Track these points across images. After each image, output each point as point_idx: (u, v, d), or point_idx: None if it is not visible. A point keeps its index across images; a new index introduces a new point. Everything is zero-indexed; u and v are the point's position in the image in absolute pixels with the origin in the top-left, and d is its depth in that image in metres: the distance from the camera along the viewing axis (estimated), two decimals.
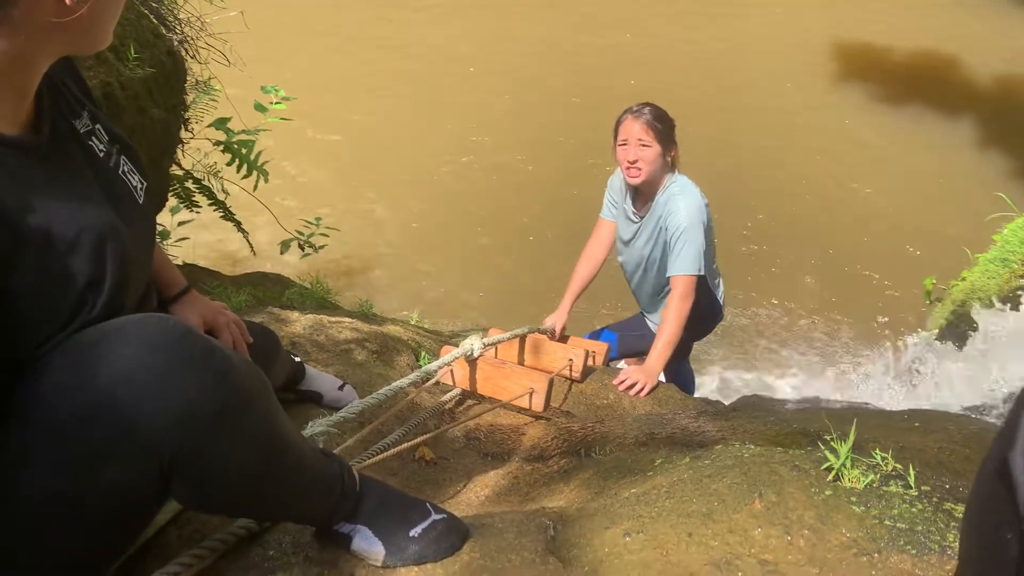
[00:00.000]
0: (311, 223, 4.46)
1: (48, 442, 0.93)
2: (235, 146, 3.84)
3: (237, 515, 1.31)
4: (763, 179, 7.14)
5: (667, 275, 3.03)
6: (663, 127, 2.95)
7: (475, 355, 2.50)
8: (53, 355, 0.97)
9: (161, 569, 1.18)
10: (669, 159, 3.00)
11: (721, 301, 3.41)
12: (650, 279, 3.27)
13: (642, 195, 3.10)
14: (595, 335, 3.55)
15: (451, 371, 2.60)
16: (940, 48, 9.04)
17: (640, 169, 2.93)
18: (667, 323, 2.95)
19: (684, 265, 2.94)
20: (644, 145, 2.91)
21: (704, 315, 3.31)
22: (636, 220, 3.17)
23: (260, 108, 3.89)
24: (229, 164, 3.90)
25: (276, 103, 3.91)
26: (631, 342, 3.48)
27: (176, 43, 3.31)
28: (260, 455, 1.08)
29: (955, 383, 4.11)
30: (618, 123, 3.02)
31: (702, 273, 2.98)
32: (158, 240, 1.41)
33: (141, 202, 1.25)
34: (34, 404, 0.94)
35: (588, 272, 3.37)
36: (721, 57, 8.91)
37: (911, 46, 9.11)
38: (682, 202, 2.95)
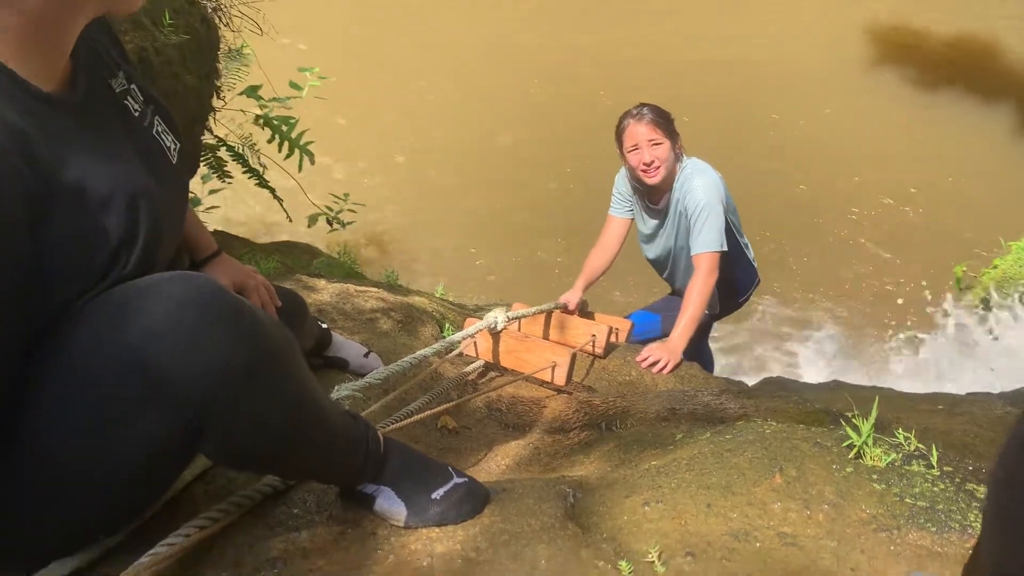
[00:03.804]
0: (340, 198, 4.45)
1: (80, 396, 0.95)
2: (275, 122, 3.86)
3: (264, 471, 1.33)
4: (794, 161, 7.05)
5: (691, 254, 3.03)
6: (666, 121, 3.01)
7: (499, 328, 2.52)
8: (85, 310, 0.99)
9: (188, 523, 1.20)
10: (678, 150, 3.06)
11: (754, 264, 3.44)
12: (682, 265, 3.29)
13: (658, 189, 3.12)
14: (638, 316, 3.53)
15: (475, 343, 2.62)
16: (979, 32, 8.83)
17: (658, 168, 2.98)
18: (691, 300, 2.95)
19: (707, 242, 2.95)
20: (656, 144, 2.97)
21: (741, 285, 3.38)
22: (656, 215, 3.21)
23: (295, 87, 3.93)
24: (270, 142, 3.91)
25: (312, 83, 3.95)
26: (674, 321, 3.48)
27: (210, 10, 3.32)
28: (288, 411, 1.09)
29: (983, 368, 4.06)
30: (621, 130, 3.06)
31: (724, 249, 2.98)
32: (189, 206, 1.43)
33: (174, 163, 1.27)
34: (67, 358, 0.96)
35: (599, 263, 3.38)
36: (754, 40, 8.78)
37: (949, 29, 8.91)
38: (698, 181, 2.98)
